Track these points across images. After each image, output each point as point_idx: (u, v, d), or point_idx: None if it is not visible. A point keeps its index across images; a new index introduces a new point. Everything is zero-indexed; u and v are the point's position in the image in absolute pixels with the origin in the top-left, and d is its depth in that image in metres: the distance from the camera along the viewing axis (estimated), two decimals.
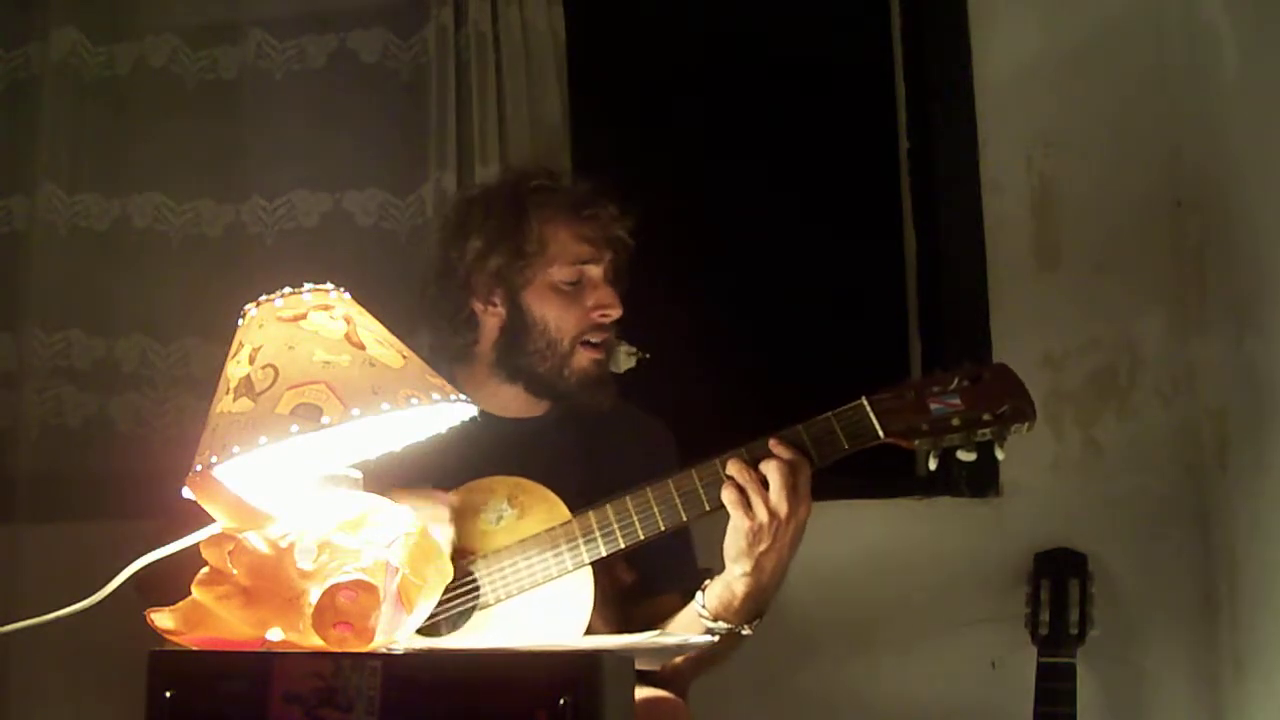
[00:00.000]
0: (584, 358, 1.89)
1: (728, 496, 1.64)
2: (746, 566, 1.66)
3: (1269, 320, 2.12)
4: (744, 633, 1.72)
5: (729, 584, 1.69)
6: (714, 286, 2.52)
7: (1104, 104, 2.38)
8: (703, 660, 1.78)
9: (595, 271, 1.90)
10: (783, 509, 1.62)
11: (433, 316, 1.96)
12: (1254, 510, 2.17)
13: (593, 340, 1.89)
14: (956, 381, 1.67)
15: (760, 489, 1.63)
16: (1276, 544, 2.10)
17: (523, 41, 2.36)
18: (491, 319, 1.92)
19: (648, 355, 1.97)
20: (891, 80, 2.55)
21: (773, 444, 1.66)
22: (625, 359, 1.96)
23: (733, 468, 1.65)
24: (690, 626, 1.74)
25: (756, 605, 1.71)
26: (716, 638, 1.68)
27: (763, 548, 1.64)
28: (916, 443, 1.66)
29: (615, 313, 1.90)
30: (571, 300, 1.89)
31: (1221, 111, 2.26)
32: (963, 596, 2.30)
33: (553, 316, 1.88)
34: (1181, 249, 2.34)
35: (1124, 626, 2.27)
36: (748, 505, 1.63)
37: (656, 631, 1.67)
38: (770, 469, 1.63)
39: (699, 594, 1.74)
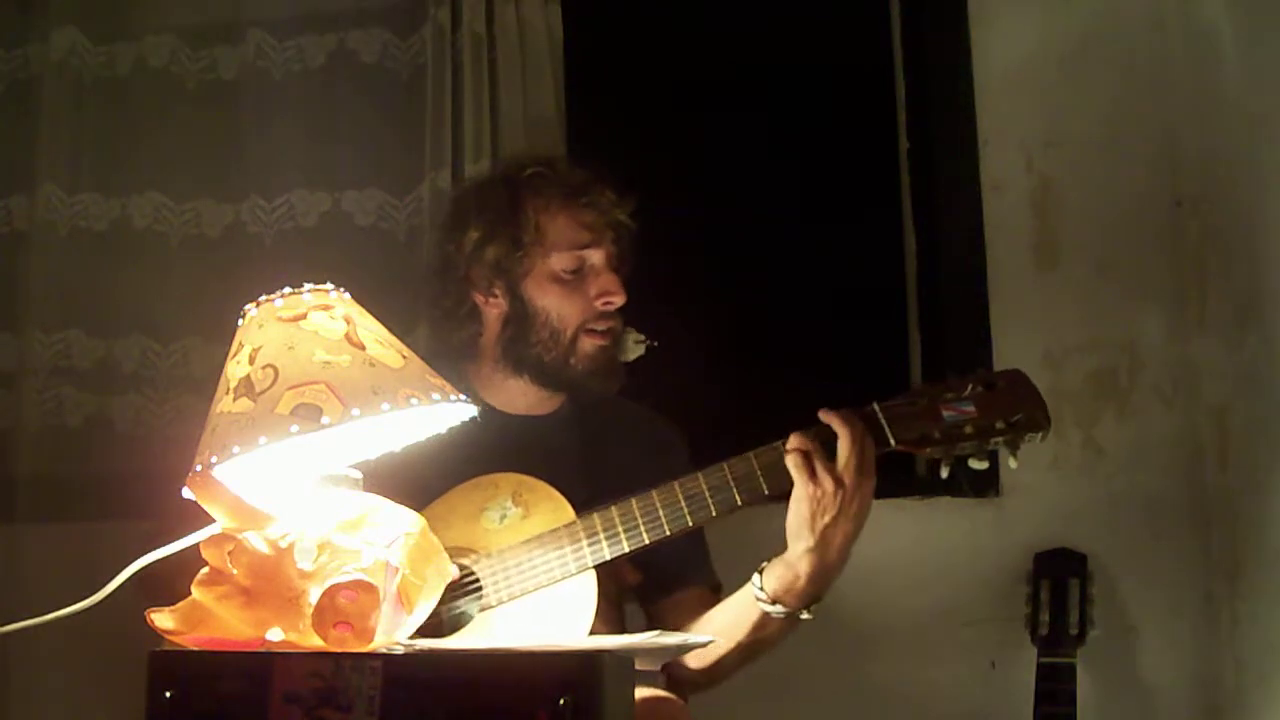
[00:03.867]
0: (589, 344, 1.83)
1: (792, 461, 1.60)
2: (810, 541, 1.60)
3: (1269, 320, 2.12)
4: (804, 617, 1.66)
5: (791, 564, 1.63)
6: (713, 286, 2.52)
7: (1104, 104, 2.38)
8: (753, 647, 1.72)
9: (597, 258, 1.85)
10: (849, 476, 1.58)
11: (434, 313, 1.93)
12: (1254, 510, 2.17)
13: (597, 328, 1.84)
14: (970, 388, 1.64)
15: (825, 456, 1.59)
16: (1277, 544, 2.10)
17: (519, 41, 2.35)
18: (493, 311, 1.88)
19: (655, 344, 1.91)
20: (891, 80, 2.55)
21: (844, 413, 1.62)
22: (633, 347, 1.89)
23: (795, 440, 1.61)
24: (743, 609, 1.69)
25: (819, 587, 1.64)
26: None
27: (827, 519, 1.59)
28: (928, 450, 1.63)
29: (619, 299, 1.84)
30: (573, 289, 1.83)
31: (1221, 111, 2.26)
32: (963, 596, 2.30)
33: (554, 306, 1.83)
34: (1181, 249, 2.34)
35: (1124, 626, 2.27)
36: (812, 471, 1.58)
37: (656, 631, 1.66)
38: (840, 435, 1.59)
39: (755, 576, 1.67)
